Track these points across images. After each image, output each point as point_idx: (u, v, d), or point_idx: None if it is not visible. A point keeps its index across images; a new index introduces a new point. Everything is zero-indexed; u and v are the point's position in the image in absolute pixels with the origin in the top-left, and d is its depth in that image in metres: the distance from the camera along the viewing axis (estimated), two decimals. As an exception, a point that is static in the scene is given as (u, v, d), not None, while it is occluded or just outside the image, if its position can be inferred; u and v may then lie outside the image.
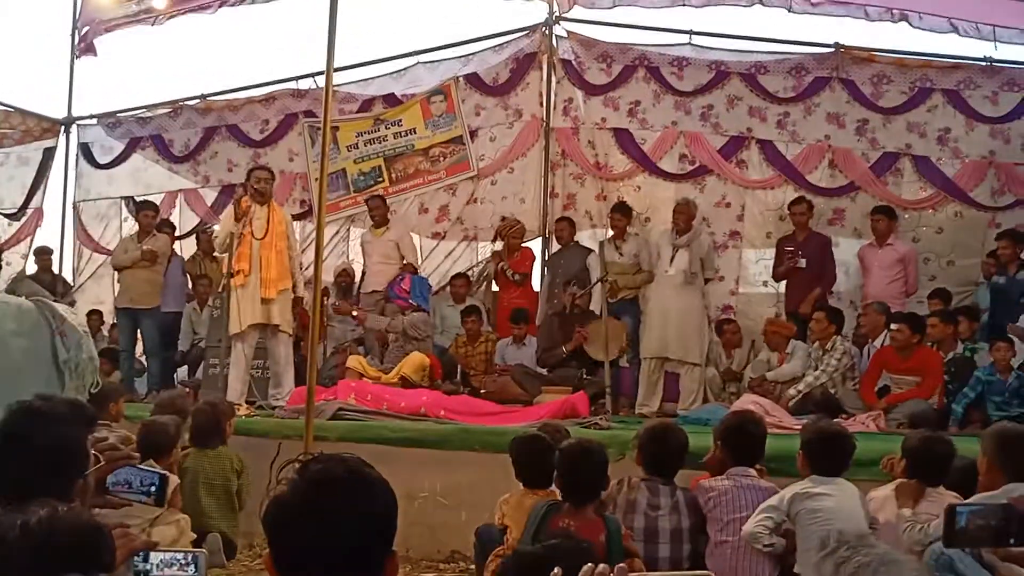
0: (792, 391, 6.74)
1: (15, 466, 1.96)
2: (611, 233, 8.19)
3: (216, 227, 9.21)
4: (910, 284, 7.62)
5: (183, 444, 4.74)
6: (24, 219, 10.95)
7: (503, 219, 8.92)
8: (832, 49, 8.31)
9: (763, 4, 8.22)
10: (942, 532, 2.78)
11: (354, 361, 7.71)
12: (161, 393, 6.80)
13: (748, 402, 6.16)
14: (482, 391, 7.45)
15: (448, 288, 8.97)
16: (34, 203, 10.89)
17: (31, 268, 10.38)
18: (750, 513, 3.58)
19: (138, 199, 10.15)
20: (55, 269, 10.22)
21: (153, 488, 2.24)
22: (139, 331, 8.75)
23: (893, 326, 6.65)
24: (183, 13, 9.89)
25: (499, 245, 8.80)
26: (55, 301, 2.86)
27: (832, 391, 6.75)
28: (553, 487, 3.87)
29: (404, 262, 8.45)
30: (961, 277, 8.08)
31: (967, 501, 3.22)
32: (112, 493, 2.23)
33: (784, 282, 7.90)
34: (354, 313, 8.34)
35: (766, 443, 3.99)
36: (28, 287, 2.89)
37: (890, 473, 3.86)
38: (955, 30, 8.00)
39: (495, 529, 3.95)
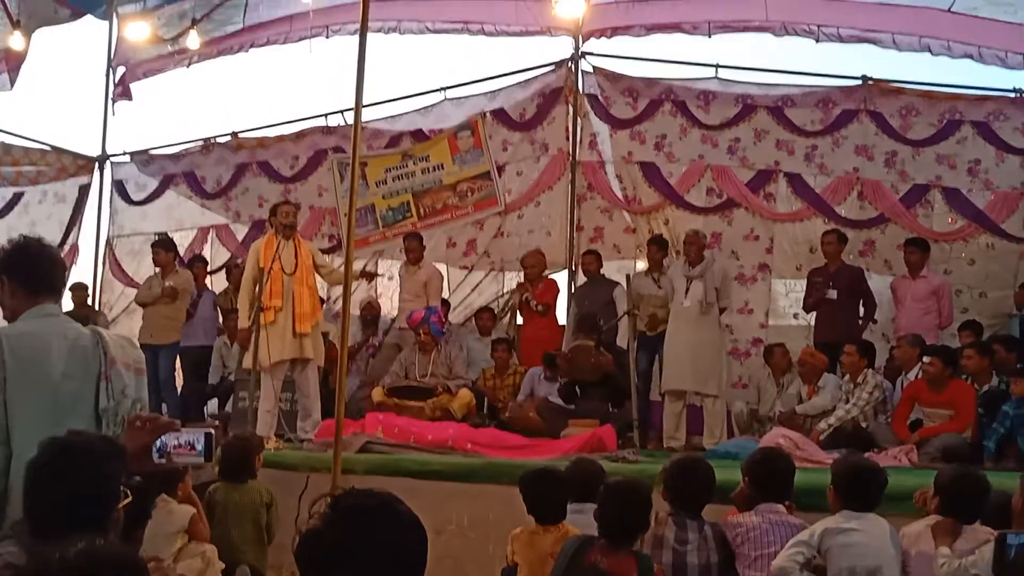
0: (823, 425, 6.67)
1: (50, 500, 1.99)
2: (642, 266, 8.20)
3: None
4: (944, 316, 7.52)
5: (212, 478, 4.77)
6: (62, 255, 11.08)
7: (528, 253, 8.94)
8: (859, 82, 8.31)
9: (789, 33, 8.25)
10: (992, 563, 2.74)
11: (378, 392, 7.67)
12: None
13: (778, 436, 6.07)
14: (504, 416, 7.42)
15: (474, 321, 9.01)
16: (70, 239, 11.06)
17: (67, 304, 10.51)
18: (779, 549, 3.53)
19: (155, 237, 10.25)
20: (91, 304, 10.34)
21: (201, 446, 2.32)
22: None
23: (925, 359, 6.56)
24: (215, 56, 10.09)
25: (523, 276, 8.82)
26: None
27: (863, 425, 6.67)
28: (564, 522, 3.83)
29: (430, 304, 8.48)
30: (993, 309, 7.98)
31: (1018, 531, 3.16)
32: (170, 455, 2.29)
33: (814, 314, 7.83)
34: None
35: (795, 477, 3.95)
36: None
37: (923, 508, 3.80)
38: (983, 60, 7.98)
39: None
